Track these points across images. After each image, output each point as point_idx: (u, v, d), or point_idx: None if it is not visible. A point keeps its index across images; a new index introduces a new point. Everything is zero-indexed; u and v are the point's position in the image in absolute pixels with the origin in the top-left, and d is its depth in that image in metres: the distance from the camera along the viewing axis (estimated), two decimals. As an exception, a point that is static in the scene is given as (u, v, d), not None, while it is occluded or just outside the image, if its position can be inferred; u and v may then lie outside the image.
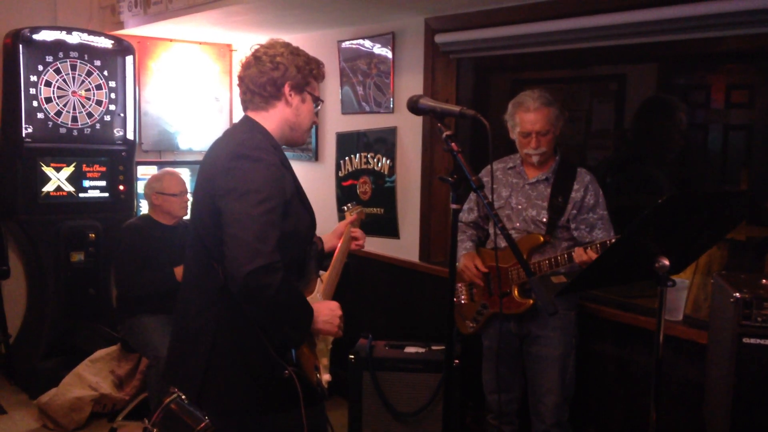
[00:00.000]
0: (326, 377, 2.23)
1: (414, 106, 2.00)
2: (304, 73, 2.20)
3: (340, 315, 2.18)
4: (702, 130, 3.83)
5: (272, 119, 2.20)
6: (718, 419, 2.10)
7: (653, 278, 1.98)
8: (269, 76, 2.16)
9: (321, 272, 2.37)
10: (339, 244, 2.48)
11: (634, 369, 3.11)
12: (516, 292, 3.03)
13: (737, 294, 1.94)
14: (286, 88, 2.17)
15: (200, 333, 2.10)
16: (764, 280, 2.10)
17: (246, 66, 2.21)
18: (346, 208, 2.68)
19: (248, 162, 2.01)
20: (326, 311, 2.14)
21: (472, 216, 3.32)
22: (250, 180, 1.98)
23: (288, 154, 4.97)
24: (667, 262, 1.90)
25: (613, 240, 2.76)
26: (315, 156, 4.80)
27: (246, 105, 2.24)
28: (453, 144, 1.80)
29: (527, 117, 2.97)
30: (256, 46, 2.23)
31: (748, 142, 3.70)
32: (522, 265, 1.93)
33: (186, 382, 2.11)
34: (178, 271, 3.76)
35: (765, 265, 3.03)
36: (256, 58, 2.19)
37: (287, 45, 2.22)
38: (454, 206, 1.86)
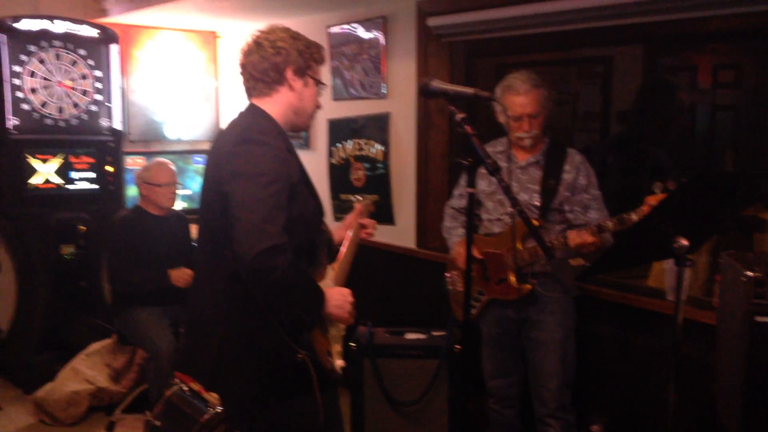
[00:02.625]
0: (339, 363, 2.23)
1: (426, 89, 1.98)
2: (306, 57, 2.20)
3: (352, 301, 2.19)
4: (689, 110, 3.84)
5: (276, 105, 2.19)
6: (730, 399, 2.12)
7: (673, 258, 1.98)
8: (271, 62, 2.15)
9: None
10: (349, 234, 2.47)
11: (636, 350, 3.13)
12: (513, 278, 3.01)
13: (749, 273, 1.95)
14: (289, 73, 2.17)
15: (212, 320, 2.10)
16: (773, 258, 2.12)
17: (247, 53, 2.20)
18: (354, 198, 2.66)
19: (253, 146, 2.02)
20: (338, 296, 2.15)
21: (462, 201, 3.28)
22: (256, 163, 1.98)
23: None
24: (685, 243, 1.91)
25: (608, 222, 2.75)
26: (306, 143, 4.76)
27: (250, 92, 2.23)
28: (467, 127, 1.78)
29: (518, 100, 2.94)
30: (257, 33, 2.22)
31: (734, 123, 3.72)
32: (542, 248, 1.91)
33: (199, 370, 2.13)
34: (174, 273, 3.73)
35: (754, 243, 3.05)
36: (257, 44, 2.18)
37: (287, 30, 2.22)
38: (470, 190, 1.84)
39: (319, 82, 2.27)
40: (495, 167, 1.80)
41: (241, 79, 2.25)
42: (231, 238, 1.92)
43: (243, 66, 2.21)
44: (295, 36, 2.20)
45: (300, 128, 2.30)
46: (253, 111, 2.19)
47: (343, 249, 2.41)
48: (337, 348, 2.24)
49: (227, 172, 2.01)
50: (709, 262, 3.14)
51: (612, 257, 2.19)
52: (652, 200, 2.59)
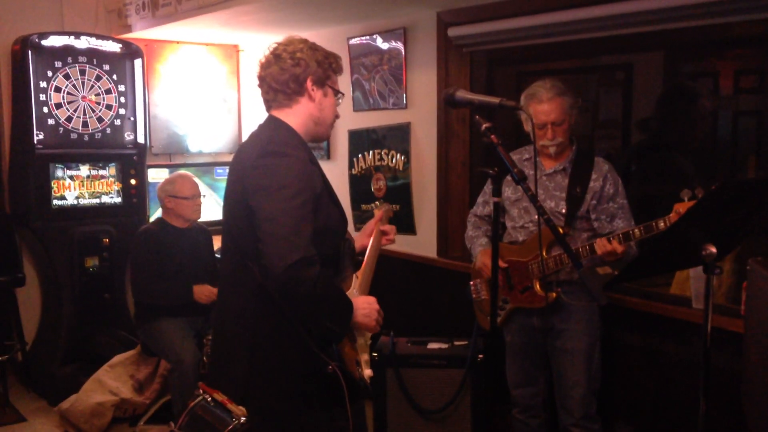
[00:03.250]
0: (368, 372, 2.22)
1: (450, 99, 1.98)
2: (324, 67, 2.20)
3: (378, 309, 2.19)
4: (711, 116, 3.81)
5: (297, 116, 2.20)
6: (760, 408, 2.08)
7: (702, 266, 1.96)
8: (291, 73, 2.15)
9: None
10: (371, 241, 2.47)
11: (661, 358, 3.09)
12: (537, 286, 3.00)
13: (779, 279, 1.92)
14: (309, 83, 2.18)
15: (240, 334, 2.10)
16: (800, 264, 2.08)
17: (266, 65, 2.21)
18: (374, 205, 2.66)
19: (276, 158, 2.02)
20: (365, 305, 2.15)
21: (487, 209, 3.29)
22: (280, 176, 1.98)
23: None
24: (714, 250, 1.88)
25: (635, 230, 2.73)
26: (327, 154, 4.78)
27: (269, 104, 2.24)
28: (493, 136, 1.78)
29: (541, 108, 2.94)
30: (274, 45, 2.23)
31: (758, 128, 3.68)
32: (570, 256, 1.90)
33: (231, 385, 2.11)
34: (197, 289, 3.76)
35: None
36: (276, 56, 2.18)
37: (305, 41, 2.23)
38: (495, 199, 1.83)
39: (337, 92, 2.27)
40: (521, 176, 1.80)
41: (260, 91, 2.25)
42: (259, 251, 1.93)
43: (262, 78, 2.21)
44: (313, 47, 2.21)
45: (321, 138, 2.31)
46: (274, 123, 2.19)
47: (367, 257, 2.41)
48: (365, 357, 2.24)
49: (251, 187, 2.01)
50: (733, 269, 3.10)
51: (640, 265, 2.17)
52: (680, 208, 2.56)
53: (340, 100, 2.30)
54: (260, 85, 2.23)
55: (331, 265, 2.14)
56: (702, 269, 2.01)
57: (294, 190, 1.96)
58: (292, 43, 2.20)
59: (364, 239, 2.51)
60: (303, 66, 2.15)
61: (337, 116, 2.30)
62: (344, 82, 4.56)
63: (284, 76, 2.16)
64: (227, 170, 2.30)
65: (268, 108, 2.25)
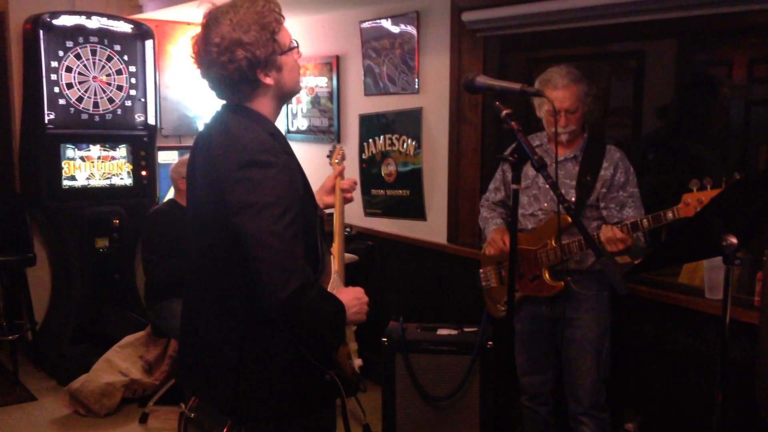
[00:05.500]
0: (358, 362, 2.19)
1: (470, 85, 1.95)
2: (267, 45, 1.89)
3: (367, 301, 2.09)
4: (725, 106, 3.78)
5: (261, 103, 1.98)
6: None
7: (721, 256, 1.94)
8: (236, 76, 1.89)
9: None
10: (336, 209, 2.33)
11: (672, 348, 3.09)
12: (547, 275, 2.99)
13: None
14: (260, 75, 1.91)
15: (224, 344, 1.96)
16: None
17: (205, 66, 1.92)
18: (327, 155, 2.48)
19: (260, 170, 1.81)
20: (354, 302, 2.03)
21: (499, 195, 3.27)
22: (266, 192, 1.80)
23: (308, 137, 5.01)
24: (734, 240, 1.87)
25: (643, 220, 2.71)
26: (337, 138, 4.77)
27: (227, 99, 2.00)
28: (513, 123, 1.76)
29: (555, 94, 2.90)
30: (202, 40, 1.90)
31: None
32: (590, 245, 1.87)
33: (215, 395, 1.99)
34: None
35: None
36: (211, 61, 1.88)
37: (231, 21, 1.85)
38: (515, 186, 1.82)
39: (291, 48, 1.98)
40: (542, 163, 1.77)
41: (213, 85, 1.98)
42: (254, 280, 1.81)
43: (205, 77, 1.96)
44: (244, 24, 1.86)
45: (292, 97, 2.12)
46: (243, 114, 1.96)
47: (336, 227, 2.30)
48: (353, 347, 2.21)
49: (235, 202, 1.81)
50: (745, 259, 3.09)
51: (660, 255, 2.15)
52: (689, 198, 2.55)
53: (298, 52, 2.03)
54: (208, 83, 1.97)
55: (313, 257, 2.02)
56: (718, 260, 2.00)
57: (282, 207, 1.79)
58: (222, 36, 1.85)
59: (325, 197, 2.37)
60: (245, 63, 1.87)
61: (299, 67, 2.04)
62: (355, 66, 4.56)
63: (230, 80, 1.90)
64: (193, 156, 2.08)
65: (223, 99, 2.02)
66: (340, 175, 2.35)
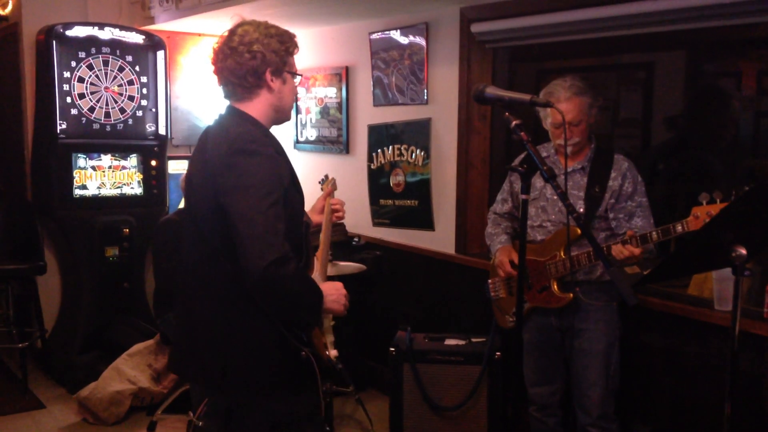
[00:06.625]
0: (333, 352, 2.30)
1: (480, 96, 1.97)
2: (281, 54, 2.16)
3: (346, 294, 2.23)
4: (734, 117, 3.77)
5: (257, 107, 2.19)
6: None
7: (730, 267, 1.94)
8: (249, 66, 2.12)
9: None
10: (324, 221, 2.52)
11: (681, 359, 3.08)
12: (555, 286, 2.99)
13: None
14: (267, 76, 2.15)
15: (212, 326, 2.15)
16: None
17: (222, 57, 2.15)
18: (320, 182, 2.70)
19: (247, 157, 2.03)
20: (333, 291, 2.19)
21: (506, 207, 3.28)
22: (252, 175, 2.00)
23: (317, 147, 5.04)
24: (744, 251, 1.86)
25: (653, 233, 2.70)
26: (346, 149, 4.79)
27: (228, 96, 2.22)
28: (522, 133, 1.77)
29: (558, 107, 2.91)
30: (227, 34, 2.17)
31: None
32: (600, 256, 1.88)
33: (205, 375, 2.19)
34: None
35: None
36: (232, 49, 2.12)
37: (258, 27, 2.15)
38: (524, 197, 1.83)
39: (295, 75, 2.25)
40: (551, 174, 1.79)
41: (217, 81, 2.21)
42: (233, 252, 1.98)
43: (219, 70, 2.18)
44: (267, 33, 2.14)
45: (282, 122, 2.30)
46: (238, 115, 2.18)
47: (322, 237, 2.46)
48: (330, 338, 2.31)
49: (223, 186, 2.02)
50: (754, 271, 3.08)
51: (669, 266, 2.15)
52: (698, 211, 2.55)
53: (298, 81, 2.29)
54: (217, 77, 2.20)
55: (297, 251, 2.16)
56: (728, 271, 1.99)
57: (267, 189, 1.99)
58: (246, 33, 2.13)
59: (316, 217, 2.55)
60: (260, 58, 2.12)
61: (297, 97, 2.29)
62: (365, 76, 4.59)
63: (242, 70, 2.12)
64: (191, 163, 2.28)
65: (227, 97, 2.23)
66: (330, 195, 2.58)
